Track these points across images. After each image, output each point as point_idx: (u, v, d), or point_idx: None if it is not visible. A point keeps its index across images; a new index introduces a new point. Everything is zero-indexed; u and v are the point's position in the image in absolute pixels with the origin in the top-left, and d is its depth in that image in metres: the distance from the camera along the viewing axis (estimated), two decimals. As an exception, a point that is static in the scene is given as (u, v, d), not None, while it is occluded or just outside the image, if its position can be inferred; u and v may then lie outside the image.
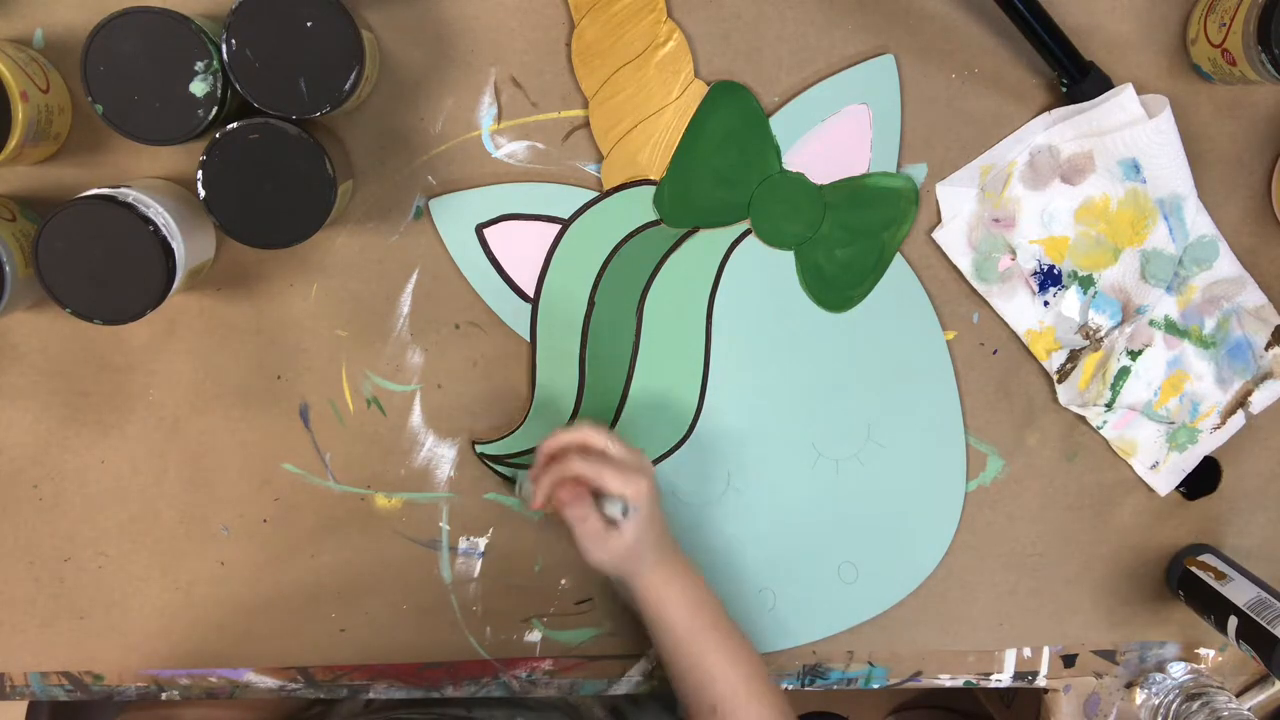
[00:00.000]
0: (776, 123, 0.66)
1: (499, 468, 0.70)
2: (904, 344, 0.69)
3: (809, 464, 0.72)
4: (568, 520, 0.63)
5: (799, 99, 0.66)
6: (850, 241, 0.67)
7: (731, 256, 0.68)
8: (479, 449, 0.70)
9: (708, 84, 0.65)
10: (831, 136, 0.66)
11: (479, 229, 0.66)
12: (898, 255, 0.69)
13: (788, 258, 0.68)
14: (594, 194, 0.66)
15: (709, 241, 0.68)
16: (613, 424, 0.70)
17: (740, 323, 0.70)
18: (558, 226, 0.67)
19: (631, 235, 0.67)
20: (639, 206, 0.67)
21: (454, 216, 0.66)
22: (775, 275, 0.69)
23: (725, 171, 0.66)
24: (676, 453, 0.71)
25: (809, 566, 0.74)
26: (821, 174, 0.67)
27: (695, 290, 0.69)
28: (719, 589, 0.69)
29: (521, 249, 0.67)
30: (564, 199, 0.66)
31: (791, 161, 0.66)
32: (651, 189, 0.66)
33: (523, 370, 0.69)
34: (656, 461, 0.72)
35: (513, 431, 0.70)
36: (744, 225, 0.68)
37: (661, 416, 0.71)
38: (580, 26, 0.63)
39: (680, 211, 0.67)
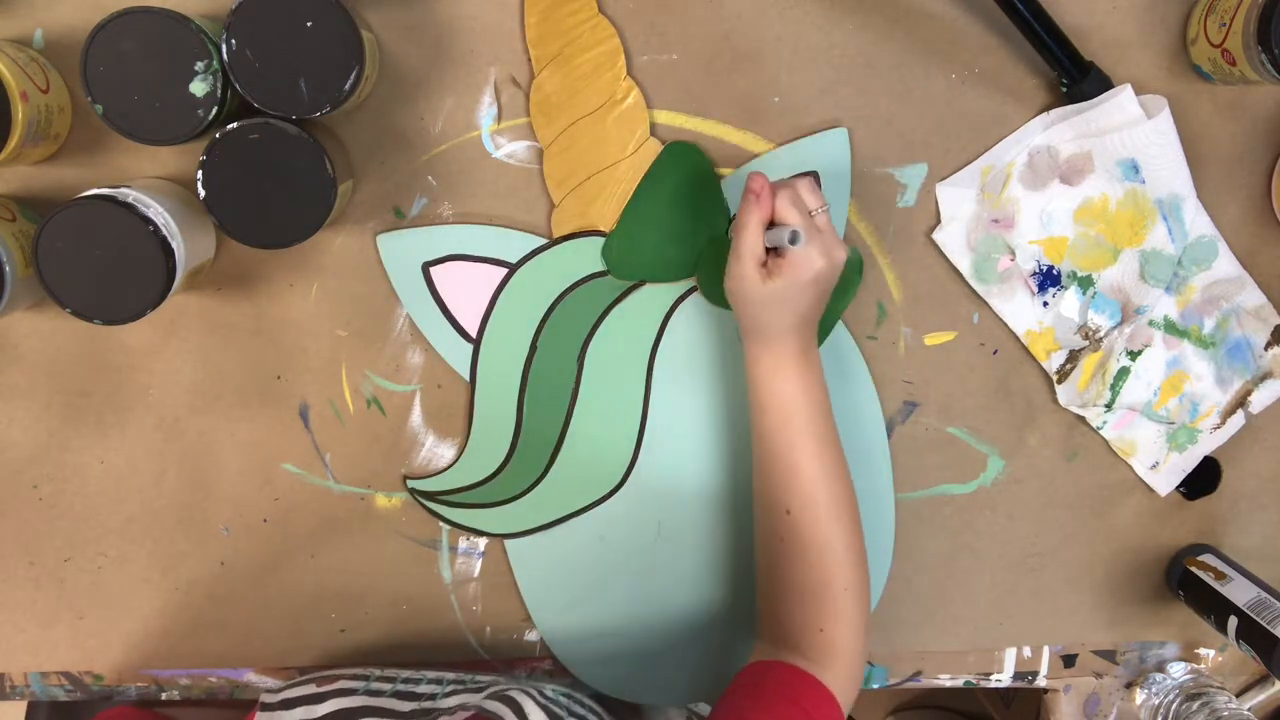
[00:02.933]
0: (729, 185, 0.67)
1: (430, 505, 0.70)
2: (840, 407, 0.68)
3: (740, 514, 0.72)
4: (737, 223, 0.59)
5: (754, 162, 0.66)
6: None
7: (675, 312, 0.69)
8: (410, 484, 0.70)
9: (662, 142, 0.65)
10: None
11: (425, 267, 0.66)
12: (839, 322, 0.69)
13: (731, 316, 0.69)
14: (543, 240, 0.67)
15: (654, 296, 0.68)
16: (547, 469, 0.70)
17: (680, 377, 0.70)
18: (504, 270, 0.67)
19: (578, 284, 0.68)
20: (587, 256, 0.67)
21: (401, 253, 0.66)
22: (718, 333, 0.69)
23: (674, 229, 0.66)
24: (609, 500, 0.71)
25: (744, 609, 0.74)
26: (771, 238, 0.67)
27: (638, 342, 0.69)
28: (648, 630, 0.68)
29: (467, 289, 0.67)
30: (512, 243, 0.67)
31: None
32: (600, 240, 0.67)
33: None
34: (589, 508, 0.71)
35: (446, 469, 0.70)
36: (690, 282, 0.68)
37: (596, 463, 0.71)
38: (540, 78, 0.64)
39: (628, 265, 0.67)
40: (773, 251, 0.59)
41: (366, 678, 0.64)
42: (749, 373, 0.62)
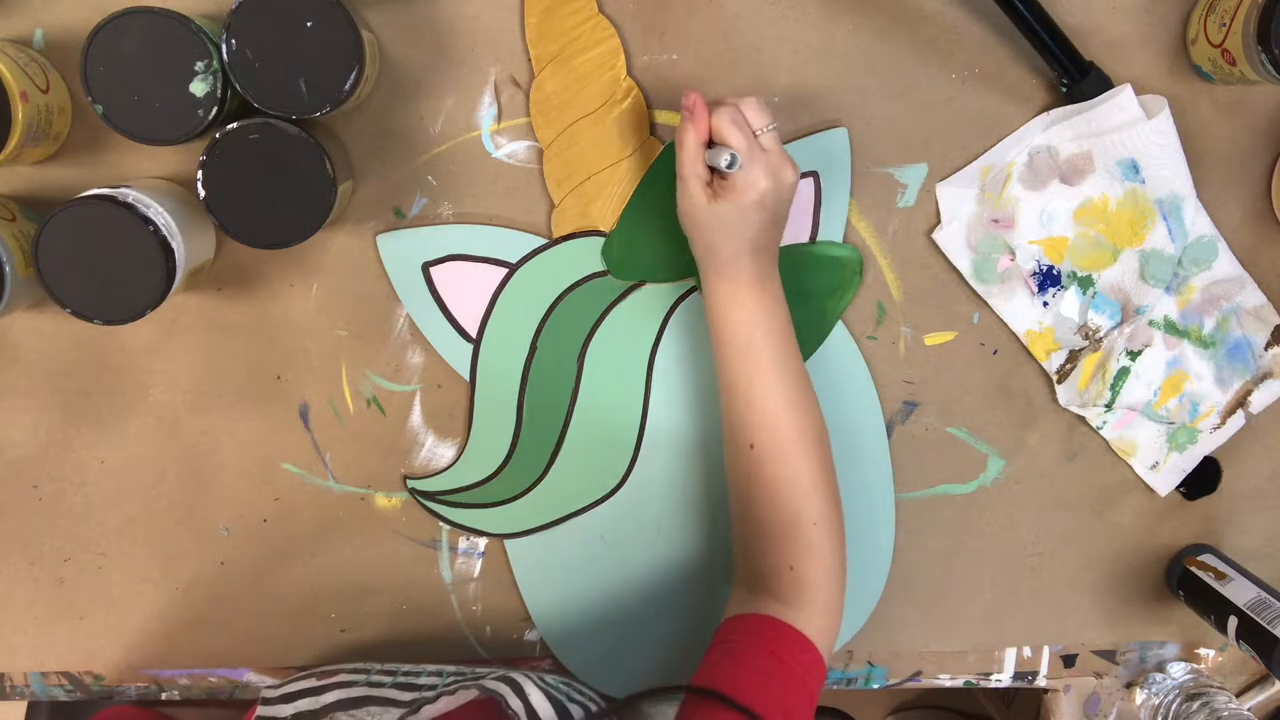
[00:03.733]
0: None
1: (430, 505, 0.70)
2: (839, 407, 0.69)
3: None
4: (676, 142, 0.58)
5: None
6: (793, 306, 0.65)
7: (675, 312, 0.69)
8: (410, 484, 0.70)
9: (662, 142, 0.66)
10: None
11: (425, 267, 0.66)
12: (839, 322, 0.69)
13: None
14: (543, 240, 0.67)
15: (654, 295, 0.68)
16: (547, 468, 0.70)
17: (680, 377, 0.70)
18: (504, 270, 0.67)
19: (578, 284, 0.68)
20: (587, 256, 0.67)
21: (401, 253, 0.66)
22: None
23: (674, 229, 0.66)
24: (609, 500, 0.72)
25: None
26: None
27: (637, 342, 0.69)
28: (648, 630, 0.67)
29: (467, 289, 0.67)
30: (512, 243, 0.67)
31: None
32: (600, 240, 0.67)
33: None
34: (589, 508, 0.71)
35: (446, 469, 0.70)
36: (689, 282, 0.68)
37: (596, 463, 0.71)
38: (540, 78, 0.64)
39: (627, 265, 0.67)
40: (718, 172, 0.57)
41: (367, 671, 0.64)
42: (705, 302, 0.61)
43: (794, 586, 0.59)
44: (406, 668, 0.66)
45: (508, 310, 0.68)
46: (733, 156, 0.55)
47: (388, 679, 0.63)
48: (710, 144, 0.58)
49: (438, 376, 0.69)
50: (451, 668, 0.66)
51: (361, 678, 0.62)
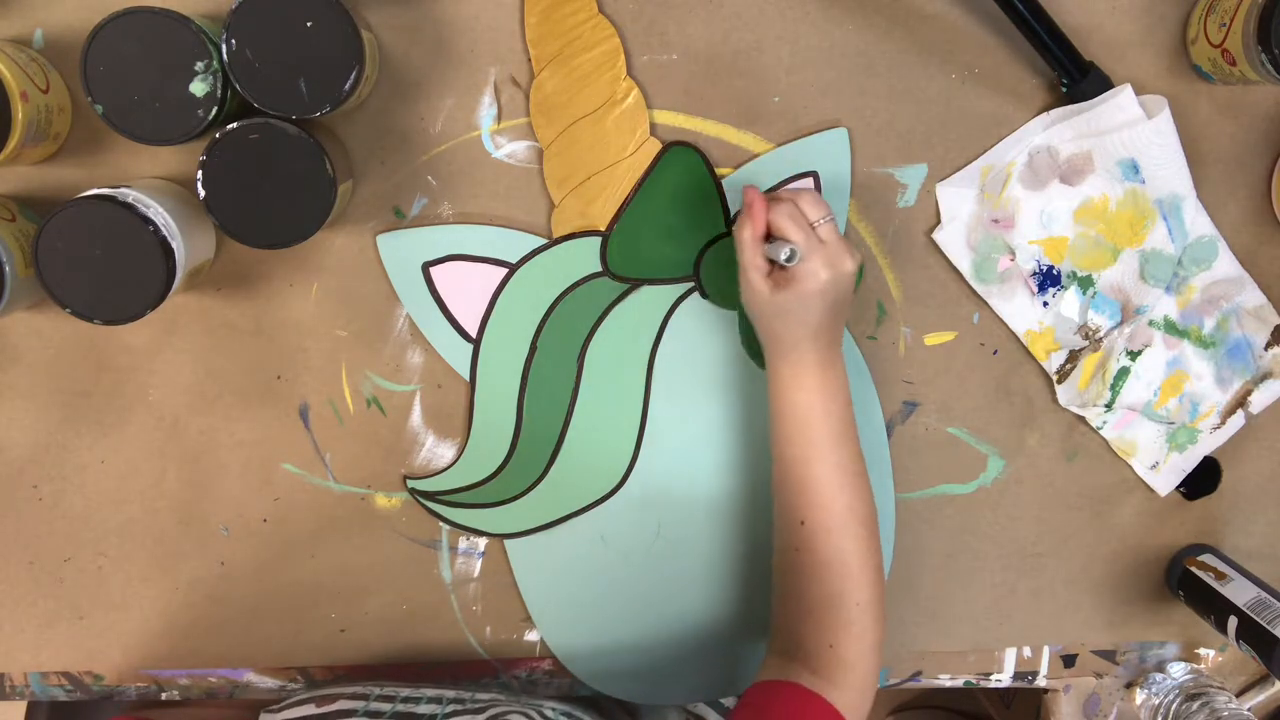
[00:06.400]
0: (731, 183, 0.67)
1: (430, 505, 0.70)
2: None
3: (740, 514, 0.72)
4: (735, 237, 0.59)
5: (755, 162, 0.66)
6: None
7: (675, 312, 0.69)
8: (410, 484, 0.70)
9: (662, 143, 0.65)
10: None
11: (425, 267, 0.66)
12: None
13: (730, 317, 0.69)
14: (543, 240, 0.67)
15: (654, 296, 0.68)
16: (547, 469, 0.70)
17: (680, 377, 0.70)
18: (504, 270, 0.67)
19: (578, 284, 0.68)
20: (587, 256, 0.67)
21: (401, 253, 0.66)
22: (717, 333, 0.69)
23: (673, 229, 0.66)
24: (609, 500, 0.71)
25: (744, 608, 0.74)
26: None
27: (637, 343, 0.69)
28: (648, 629, 0.68)
29: (467, 289, 0.67)
30: (513, 243, 0.67)
31: None
32: (600, 240, 0.67)
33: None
34: (589, 508, 0.71)
35: (446, 469, 0.70)
36: (689, 283, 0.68)
37: (596, 463, 0.71)
38: (540, 78, 0.64)
39: (627, 264, 0.67)
40: (778, 264, 0.59)
41: (366, 697, 0.64)
42: (769, 380, 0.62)
43: (832, 663, 0.60)
44: (405, 693, 0.65)
45: (508, 310, 0.68)
46: (792, 250, 0.57)
47: (386, 706, 0.63)
48: (769, 237, 0.59)
49: (438, 376, 0.69)
50: (451, 693, 0.65)
51: (360, 705, 0.62)
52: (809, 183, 0.67)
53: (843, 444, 0.61)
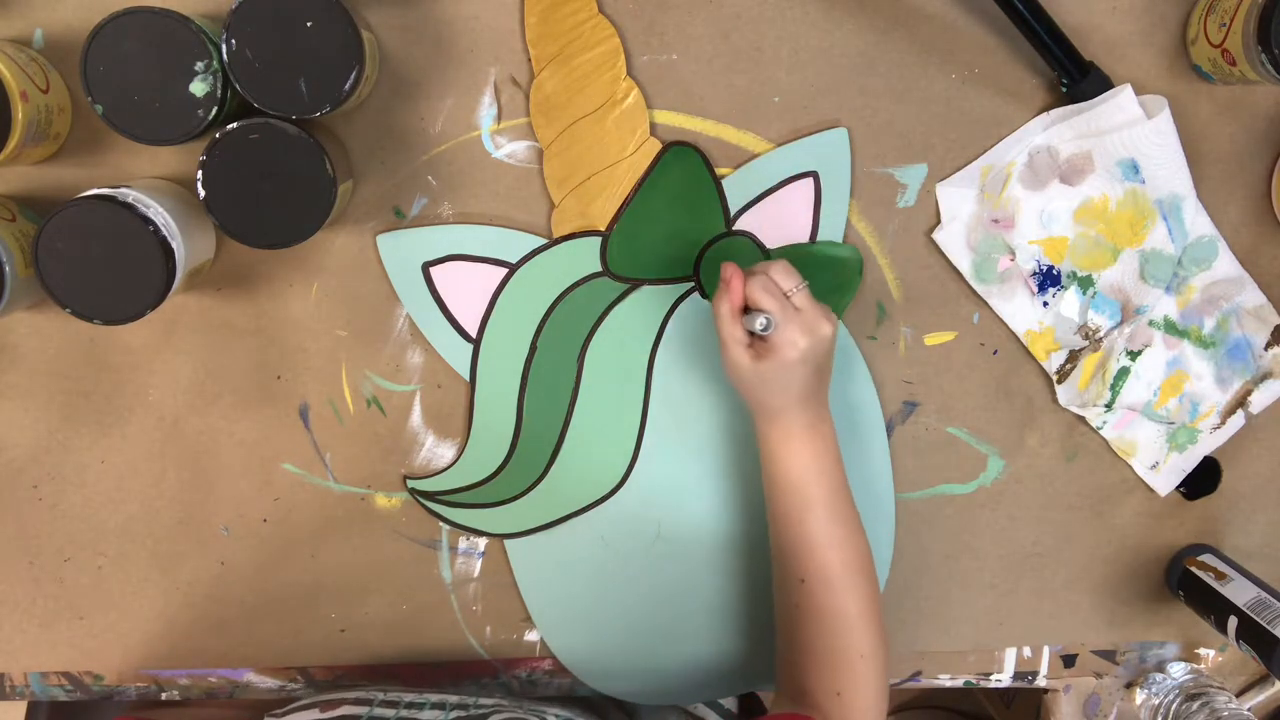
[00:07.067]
0: (731, 183, 0.67)
1: (430, 505, 0.70)
2: (839, 407, 0.68)
3: (739, 515, 0.72)
4: (713, 311, 0.61)
5: (755, 162, 0.66)
6: None
7: (675, 312, 0.69)
8: (410, 484, 0.70)
9: (663, 143, 0.66)
10: (782, 202, 0.67)
11: (425, 267, 0.66)
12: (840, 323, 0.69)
13: None
14: (543, 240, 0.67)
15: (654, 296, 0.68)
16: (547, 469, 0.70)
17: (680, 377, 0.70)
18: (504, 270, 0.67)
19: (578, 284, 0.68)
20: (587, 256, 0.67)
21: (401, 253, 0.66)
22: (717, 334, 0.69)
23: (673, 229, 0.66)
24: (609, 500, 0.71)
25: (743, 609, 0.74)
26: (771, 238, 0.68)
27: (637, 343, 0.69)
28: (647, 629, 0.68)
29: (467, 289, 0.67)
30: (513, 243, 0.67)
31: (744, 223, 0.67)
32: (600, 240, 0.67)
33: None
34: (589, 508, 0.71)
35: (446, 469, 0.70)
36: (689, 283, 0.68)
37: (596, 463, 0.71)
38: (540, 78, 0.64)
39: (627, 264, 0.67)
40: (757, 335, 0.60)
41: (370, 703, 0.64)
42: (759, 446, 0.64)
43: (839, 711, 0.61)
44: (409, 698, 0.65)
45: (508, 310, 0.68)
46: (767, 320, 0.58)
47: (390, 712, 0.63)
48: (746, 310, 0.60)
49: (438, 376, 0.69)
50: (454, 698, 0.65)
51: (364, 710, 0.62)
52: (807, 182, 0.67)
53: (836, 500, 0.63)
